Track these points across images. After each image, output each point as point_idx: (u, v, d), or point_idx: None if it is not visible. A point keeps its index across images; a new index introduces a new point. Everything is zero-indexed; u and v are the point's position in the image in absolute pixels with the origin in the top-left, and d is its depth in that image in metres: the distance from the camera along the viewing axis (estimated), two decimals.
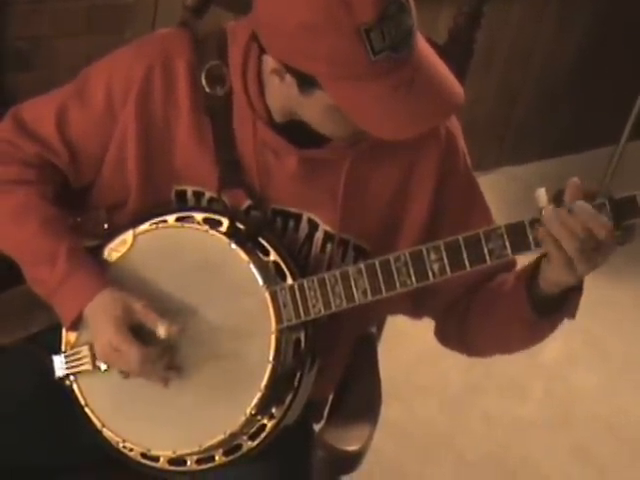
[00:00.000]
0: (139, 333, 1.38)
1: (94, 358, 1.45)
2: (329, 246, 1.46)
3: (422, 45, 1.29)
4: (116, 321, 1.36)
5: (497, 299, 1.45)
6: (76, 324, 1.42)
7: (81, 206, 1.51)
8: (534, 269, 1.35)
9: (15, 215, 1.44)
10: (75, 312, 1.40)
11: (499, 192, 3.44)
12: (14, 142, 1.47)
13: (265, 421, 1.41)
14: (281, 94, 1.36)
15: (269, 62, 1.33)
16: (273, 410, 1.40)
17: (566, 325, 1.42)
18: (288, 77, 1.30)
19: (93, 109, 1.45)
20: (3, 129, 1.49)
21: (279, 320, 1.37)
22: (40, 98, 1.51)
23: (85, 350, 1.46)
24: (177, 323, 1.37)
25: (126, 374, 1.40)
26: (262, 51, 1.34)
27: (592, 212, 1.22)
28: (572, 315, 1.39)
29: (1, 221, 1.46)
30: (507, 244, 1.27)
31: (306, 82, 1.28)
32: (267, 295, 1.37)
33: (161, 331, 1.36)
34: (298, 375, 1.41)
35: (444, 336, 1.58)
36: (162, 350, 1.38)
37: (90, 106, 1.45)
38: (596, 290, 3.17)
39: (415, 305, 1.51)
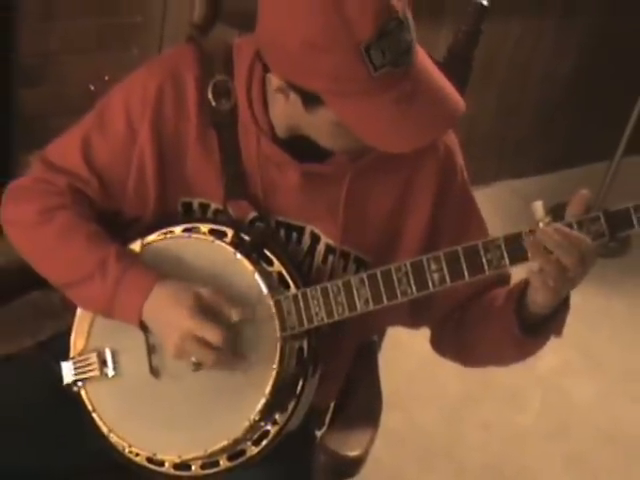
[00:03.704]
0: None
1: (102, 365, 1.47)
2: (330, 258, 1.47)
3: (422, 59, 1.29)
4: (191, 309, 1.34)
5: (488, 316, 1.46)
6: (144, 322, 1.39)
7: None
8: (522, 291, 1.37)
9: (60, 237, 1.44)
10: (138, 308, 1.37)
11: (498, 205, 3.46)
12: (46, 179, 1.48)
13: (268, 427, 1.41)
14: (286, 112, 1.37)
15: (273, 81, 1.33)
16: (276, 416, 1.41)
17: (563, 336, 1.43)
18: (292, 95, 1.31)
19: (115, 135, 1.46)
20: (34, 172, 1.51)
21: (283, 328, 1.37)
22: (62, 136, 1.51)
23: (93, 357, 1.47)
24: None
25: (199, 365, 1.36)
26: (266, 70, 1.34)
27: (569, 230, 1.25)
28: (559, 332, 1.40)
29: (47, 247, 1.46)
30: (505, 255, 1.28)
31: (310, 99, 1.29)
32: (272, 303, 1.38)
33: (234, 314, 1.35)
34: (301, 382, 1.41)
35: (440, 346, 1.59)
36: (231, 334, 1.36)
37: (112, 132, 1.46)
38: (593, 302, 3.22)
39: (412, 315, 1.52)
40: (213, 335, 1.33)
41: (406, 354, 2.56)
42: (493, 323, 1.43)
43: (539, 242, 1.25)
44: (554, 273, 1.26)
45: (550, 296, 1.30)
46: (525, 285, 1.36)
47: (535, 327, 1.38)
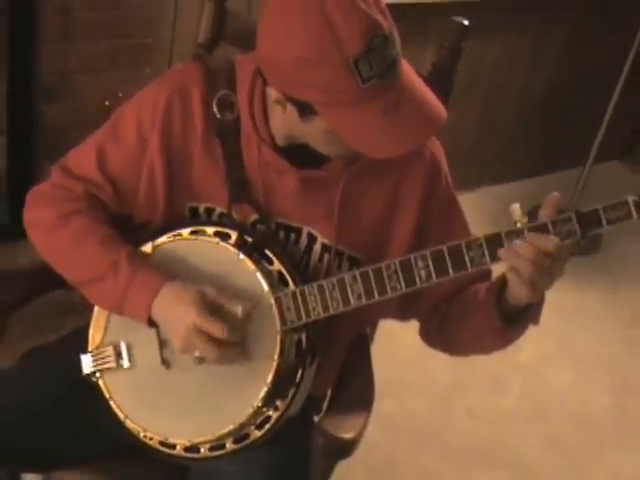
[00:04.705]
0: None
1: (117, 357, 1.46)
2: (326, 257, 1.46)
3: (408, 72, 1.29)
4: (197, 306, 1.32)
5: (471, 309, 1.45)
6: (152, 319, 1.38)
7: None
8: (501, 285, 1.36)
9: (75, 240, 1.44)
10: (147, 306, 1.36)
11: (481, 209, 3.45)
12: (64, 185, 1.48)
13: (270, 413, 1.41)
14: (284, 121, 1.37)
15: (272, 93, 1.33)
16: (277, 403, 1.40)
17: (541, 328, 1.42)
18: (289, 106, 1.31)
19: (127, 145, 1.45)
20: (54, 178, 1.50)
21: (283, 322, 1.37)
22: (79, 146, 1.51)
23: (110, 350, 1.47)
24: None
25: (202, 359, 1.35)
26: (266, 84, 1.35)
27: (539, 235, 1.25)
28: (536, 321, 1.39)
29: (64, 249, 1.46)
30: (486, 253, 1.28)
31: (305, 110, 1.29)
32: (272, 300, 1.37)
33: (239, 310, 1.34)
34: (300, 372, 1.41)
35: (428, 338, 1.58)
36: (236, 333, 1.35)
37: (124, 143, 1.46)
38: (568, 297, 3.23)
39: (401, 309, 1.51)
40: (218, 330, 1.32)
41: (399, 346, 2.55)
42: (476, 315, 1.42)
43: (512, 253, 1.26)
44: (521, 281, 1.26)
45: (532, 292, 1.29)
46: (503, 280, 1.35)
47: (514, 318, 1.37)
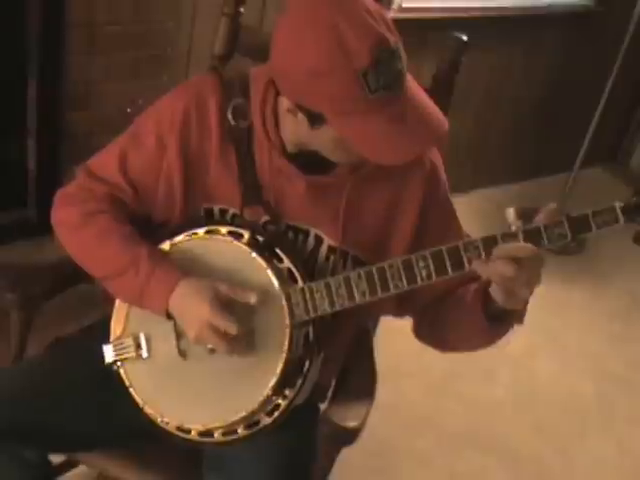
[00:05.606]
0: None
1: (137, 347, 1.45)
2: (332, 257, 1.45)
3: (412, 84, 1.28)
4: (211, 302, 1.32)
5: (459, 309, 1.43)
6: (169, 312, 1.37)
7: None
8: (487, 287, 1.34)
9: (99, 238, 1.43)
10: (165, 300, 1.35)
11: (475, 210, 3.45)
12: (88, 187, 1.47)
13: (280, 401, 1.40)
14: (295, 129, 1.36)
15: (284, 102, 1.33)
16: (286, 392, 1.40)
17: (530, 322, 1.41)
18: (300, 115, 1.30)
19: (147, 150, 1.45)
20: (78, 180, 1.49)
21: (292, 316, 1.36)
22: (102, 151, 1.50)
23: (129, 340, 1.46)
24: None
25: (213, 350, 1.36)
26: (278, 93, 1.34)
27: (511, 245, 1.23)
28: (521, 321, 1.38)
29: (88, 247, 1.45)
30: (482, 254, 1.27)
31: (315, 119, 1.28)
32: (282, 295, 1.36)
33: (252, 297, 1.33)
34: (307, 363, 1.40)
35: (420, 334, 1.57)
36: (246, 329, 1.35)
37: (144, 148, 1.45)
38: (555, 293, 3.22)
39: (398, 306, 1.50)
40: (229, 326, 1.31)
41: (396, 340, 2.53)
42: (464, 315, 1.41)
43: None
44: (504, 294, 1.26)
45: (509, 300, 1.28)
46: (488, 283, 1.33)
47: (499, 318, 1.36)
